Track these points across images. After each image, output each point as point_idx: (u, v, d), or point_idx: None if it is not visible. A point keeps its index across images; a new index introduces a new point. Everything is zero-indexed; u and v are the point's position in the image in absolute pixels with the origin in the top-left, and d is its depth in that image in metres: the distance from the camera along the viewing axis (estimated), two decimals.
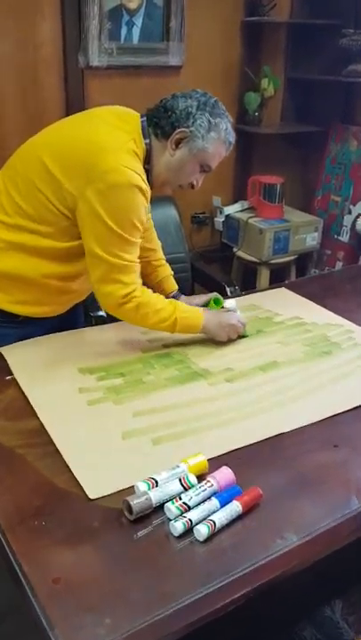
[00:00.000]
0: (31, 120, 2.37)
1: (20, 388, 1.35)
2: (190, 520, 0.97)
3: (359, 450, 1.19)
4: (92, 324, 1.70)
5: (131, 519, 0.98)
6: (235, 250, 2.93)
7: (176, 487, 1.03)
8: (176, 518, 0.98)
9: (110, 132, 1.36)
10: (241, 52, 2.79)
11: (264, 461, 1.16)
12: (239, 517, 1.01)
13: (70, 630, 0.81)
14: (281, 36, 2.84)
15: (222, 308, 1.76)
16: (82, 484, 1.05)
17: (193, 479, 1.04)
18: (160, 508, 1.01)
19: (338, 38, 2.71)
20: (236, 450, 1.18)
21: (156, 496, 1.00)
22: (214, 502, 1.00)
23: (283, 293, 1.94)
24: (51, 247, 1.40)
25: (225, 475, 1.05)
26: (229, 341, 1.55)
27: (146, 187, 1.34)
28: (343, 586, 1.69)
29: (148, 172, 1.40)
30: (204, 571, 0.92)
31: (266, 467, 1.15)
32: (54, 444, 1.17)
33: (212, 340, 1.58)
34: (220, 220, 2.94)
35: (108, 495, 1.04)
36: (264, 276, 2.83)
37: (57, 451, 1.15)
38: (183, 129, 1.36)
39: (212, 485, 1.03)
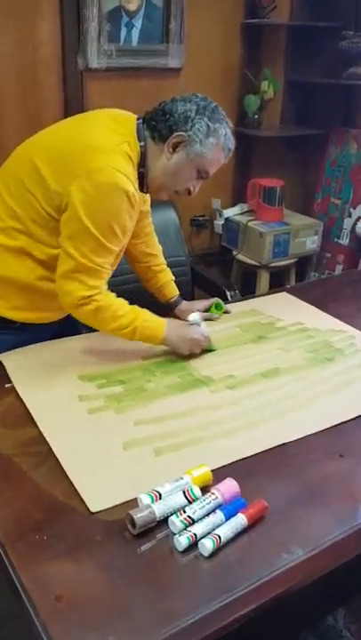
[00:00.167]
0: (30, 121, 2.34)
1: (18, 395, 1.33)
2: (195, 534, 0.95)
3: None
4: (92, 329, 1.67)
5: (134, 533, 0.96)
6: (234, 253, 2.91)
7: (180, 500, 1.01)
8: (180, 532, 0.95)
9: (104, 134, 1.34)
10: (241, 54, 2.77)
11: (268, 472, 1.14)
12: (244, 530, 0.98)
13: None
14: (281, 38, 2.82)
15: (224, 312, 1.75)
16: (83, 497, 1.03)
17: (197, 491, 1.02)
18: (164, 521, 0.99)
19: (338, 40, 2.70)
20: (240, 460, 1.16)
21: (159, 509, 0.98)
22: (219, 515, 0.98)
23: (284, 298, 1.92)
24: (43, 251, 1.38)
25: (229, 487, 1.03)
26: (192, 355, 1.49)
27: (135, 192, 1.31)
28: (346, 595, 1.67)
29: (142, 175, 1.38)
30: (210, 586, 0.90)
31: (270, 477, 1.13)
32: (54, 454, 1.15)
33: (215, 346, 1.56)
34: (219, 222, 2.92)
35: (110, 508, 1.02)
36: (264, 279, 2.81)
37: (57, 461, 1.13)
38: (181, 133, 1.33)
39: (217, 498, 1.01)
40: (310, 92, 2.89)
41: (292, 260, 2.88)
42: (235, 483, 1.04)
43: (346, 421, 1.29)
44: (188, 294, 2.20)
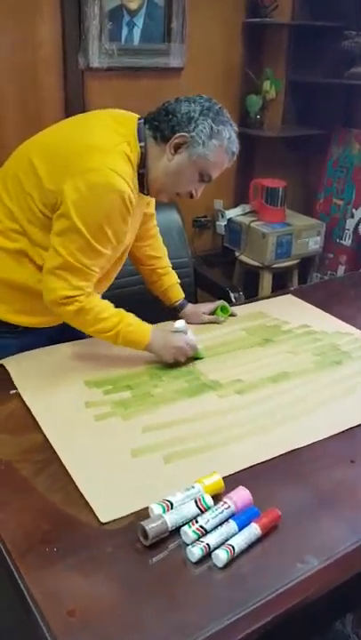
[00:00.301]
0: (30, 121, 2.32)
1: (21, 401, 1.31)
2: (208, 545, 0.93)
3: None
4: None
5: (146, 544, 0.94)
6: (237, 254, 2.89)
7: (192, 509, 0.99)
8: (193, 543, 0.93)
9: (103, 134, 1.31)
10: (242, 53, 2.75)
11: (280, 479, 1.12)
12: (258, 540, 0.97)
13: None
14: (283, 38, 2.80)
15: (231, 315, 1.73)
16: (93, 507, 1.01)
17: (209, 500, 1.00)
18: (175, 530, 0.97)
19: (340, 40, 2.68)
20: (250, 466, 1.14)
21: (171, 519, 0.96)
22: (232, 525, 0.96)
23: (289, 300, 1.90)
24: (42, 255, 1.35)
25: (242, 495, 1.01)
26: (178, 363, 1.45)
27: (131, 194, 1.28)
28: (354, 600, 1.66)
29: (142, 176, 1.35)
30: (225, 599, 0.88)
31: (282, 484, 1.11)
32: (60, 462, 1.12)
33: (219, 350, 1.55)
34: (221, 223, 2.90)
35: (121, 518, 1.00)
36: (266, 280, 2.80)
37: (64, 469, 1.11)
38: (183, 134, 1.30)
39: (229, 507, 0.99)
40: (312, 91, 2.87)
41: (295, 261, 2.86)
42: (247, 491, 1.02)
43: (356, 426, 1.27)
44: (190, 296, 2.18)
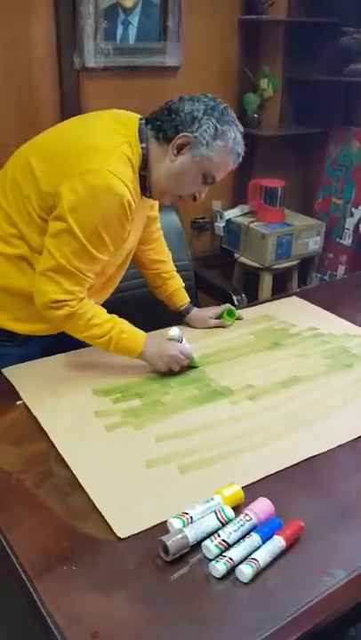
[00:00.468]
0: (25, 123, 2.28)
1: (25, 411, 1.27)
2: (231, 559, 0.90)
3: None
4: None
5: (167, 560, 0.91)
6: (236, 255, 2.86)
7: (213, 522, 0.96)
8: (216, 558, 0.90)
9: (103, 134, 1.27)
10: (239, 51, 2.72)
11: (299, 487, 1.10)
12: (281, 553, 0.94)
13: None
14: (279, 35, 2.77)
15: (237, 319, 1.70)
16: (110, 523, 0.97)
17: (230, 512, 0.97)
18: (195, 544, 0.94)
19: (338, 37, 2.65)
20: (267, 476, 1.11)
21: (192, 534, 0.93)
22: (255, 538, 0.93)
23: (295, 302, 1.87)
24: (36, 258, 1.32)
25: (263, 506, 0.98)
26: (172, 372, 1.41)
27: (131, 198, 1.24)
28: None
29: (144, 178, 1.31)
30: (252, 616, 0.85)
31: (301, 493, 1.08)
32: (73, 475, 1.09)
33: (228, 355, 1.52)
34: (220, 224, 2.87)
35: (139, 533, 0.97)
36: (267, 281, 2.77)
37: (76, 481, 1.07)
38: (187, 134, 1.26)
39: (251, 519, 0.96)
40: (310, 89, 2.84)
41: (295, 262, 2.84)
42: (268, 502, 0.99)
43: None
44: (191, 299, 2.14)
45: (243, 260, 2.81)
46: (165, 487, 1.07)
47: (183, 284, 1.67)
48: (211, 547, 0.92)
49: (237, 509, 1.00)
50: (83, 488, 1.06)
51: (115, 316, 1.36)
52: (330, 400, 1.34)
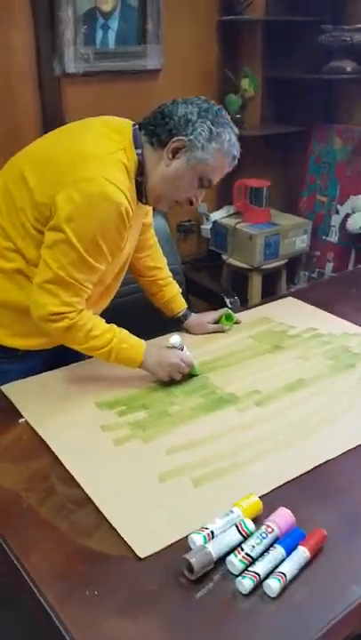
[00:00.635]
0: (6, 134, 2.24)
1: (32, 430, 1.24)
2: (258, 574, 0.88)
3: None
4: None
5: (192, 579, 0.89)
6: (224, 257, 2.85)
7: (235, 536, 0.93)
8: (243, 575, 0.88)
9: (97, 142, 1.24)
10: (219, 52, 2.71)
11: (315, 494, 1.08)
12: (306, 563, 0.92)
13: None
14: (257, 35, 2.77)
15: (236, 323, 1.68)
16: (129, 543, 0.95)
17: (251, 525, 0.95)
18: (218, 559, 0.92)
19: (316, 35, 2.66)
20: (281, 484, 1.09)
21: (215, 549, 0.91)
22: (280, 551, 0.91)
23: (291, 303, 1.86)
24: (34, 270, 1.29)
25: (284, 517, 0.97)
26: (174, 381, 1.39)
27: (128, 206, 1.22)
28: None
29: (140, 184, 1.29)
30: (282, 631, 0.83)
31: (318, 501, 1.06)
32: (81, 490, 1.06)
33: (230, 361, 1.50)
34: (207, 227, 2.86)
35: (159, 551, 0.94)
36: (256, 282, 2.76)
37: (85, 498, 1.05)
38: (181, 137, 1.23)
39: (273, 531, 0.94)
40: (290, 88, 2.84)
41: (283, 261, 2.83)
42: (289, 512, 0.97)
43: None
44: None
45: (231, 261, 2.80)
46: (180, 501, 1.04)
47: (180, 290, 1.65)
48: (235, 562, 0.89)
49: (257, 521, 0.98)
50: (93, 505, 1.03)
51: (114, 326, 1.33)
52: (338, 403, 1.33)
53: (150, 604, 0.86)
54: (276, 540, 0.94)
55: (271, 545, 0.93)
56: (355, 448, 1.19)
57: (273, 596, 0.86)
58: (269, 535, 0.93)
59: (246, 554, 0.90)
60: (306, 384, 1.40)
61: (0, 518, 1.01)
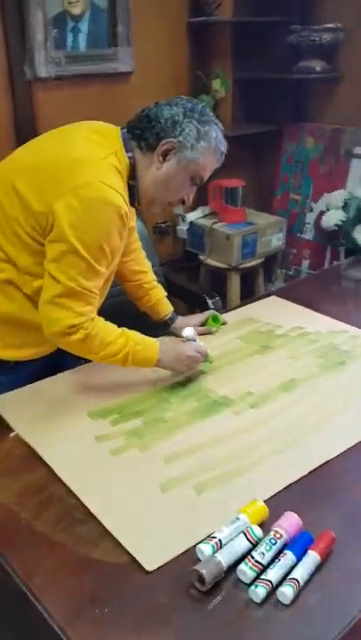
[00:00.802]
0: None
1: (25, 443, 1.20)
2: (270, 582, 0.86)
3: None
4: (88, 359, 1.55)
5: (203, 590, 0.87)
6: (201, 257, 2.83)
7: (243, 544, 0.92)
8: (255, 583, 0.86)
9: (88, 147, 1.23)
10: (189, 53, 2.70)
11: (318, 496, 1.07)
12: (316, 568, 0.91)
13: None
14: (227, 36, 2.76)
15: (223, 324, 1.67)
16: (135, 556, 0.92)
17: (258, 531, 0.94)
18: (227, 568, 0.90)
19: (284, 35, 2.66)
20: (284, 488, 1.08)
21: (225, 559, 0.89)
22: (290, 556, 0.90)
23: (275, 302, 1.86)
24: (30, 285, 1.27)
25: (291, 521, 0.96)
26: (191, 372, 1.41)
27: (126, 208, 1.21)
28: None
29: (133, 187, 1.28)
30: (300, 638, 0.82)
31: (322, 502, 1.06)
32: (83, 504, 1.04)
33: (221, 363, 1.48)
34: (183, 227, 2.84)
35: (167, 563, 0.92)
36: (234, 281, 2.75)
37: (89, 512, 1.02)
38: (170, 139, 1.24)
39: (282, 536, 0.93)
40: (261, 88, 2.84)
41: (261, 260, 2.83)
42: (296, 516, 0.96)
43: None
44: None
45: (209, 261, 2.79)
46: (184, 510, 1.03)
47: (165, 294, 1.63)
48: (246, 570, 0.88)
49: (263, 526, 0.97)
50: (94, 519, 1.01)
51: (125, 330, 1.31)
52: (331, 402, 1.33)
53: (163, 619, 0.84)
54: (285, 546, 0.93)
55: (281, 551, 0.92)
56: (354, 446, 1.19)
57: (287, 603, 0.85)
58: (278, 541, 0.92)
59: (256, 561, 0.89)
60: (298, 384, 1.40)
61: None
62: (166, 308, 1.62)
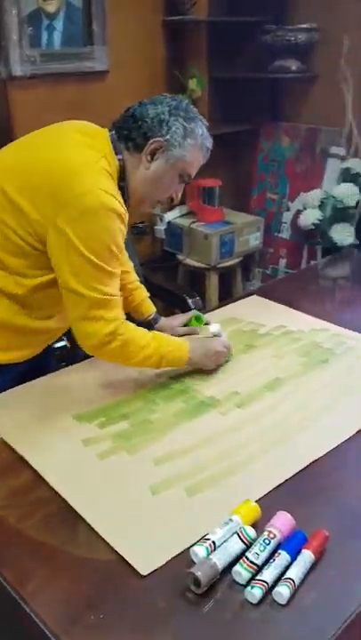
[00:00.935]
0: None
1: (10, 447, 1.18)
2: (266, 582, 0.86)
3: None
4: (69, 362, 1.53)
5: (198, 592, 0.86)
6: (180, 257, 2.83)
7: (237, 545, 0.92)
8: (252, 584, 0.86)
9: (80, 152, 1.22)
10: (166, 53, 2.69)
11: (308, 494, 1.07)
12: (311, 567, 0.91)
13: None
14: (202, 35, 2.76)
15: (206, 324, 1.66)
16: (129, 560, 0.91)
17: (252, 532, 0.94)
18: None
19: (260, 35, 2.68)
20: (275, 487, 1.08)
21: (220, 560, 0.89)
22: (284, 556, 0.90)
23: (257, 301, 1.86)
24: (18, 282, 1.25)
25: (284, 521, 0.96)
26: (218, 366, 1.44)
27: (123, 210, 1.21)
28: None
29: (123, 190, 1.28)
30: (297, 638, 0.82)
31: (312, 500, 1.06)
32: (73, 509, 1.02)
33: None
34: (161, 227, 2.84)
35: (162, 566, 0.91)
36: (213, 280, 2.76)
37: (79, 517, 1.01)
38: (157, 138, 1.24)
39: (275, 536, 0.93)
40: (236, 88, 2.85)
41: (238, 259, 2.85)
42: (288, 515, 0.96)
43: None
44: None
45: (188, 261, 2.79)
46: (176, 512, 1.02)
47: (148, 294, 1.62)
48: (242, 572, 0.88)
49: (256, 526, 0.97)
50: (85, 524, 0.99)
51: (156, 332, 1.34)
52: (317, 400, 1.33)
53: (161, 623, 0.83)
54: (279, 545, 0.93)
55: (275, 551, 0.92)
56: (342, 444, 1.20)
57: (283, 603, 0.85)
58: (272, 541, 0.92)
59: (251, 562, 0.89)
60: (283, 383, 1.40)
61: None
62: (150, 309, 1.61)
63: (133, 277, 1.59)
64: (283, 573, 0.88)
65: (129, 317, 1.60)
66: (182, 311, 1.72)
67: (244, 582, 0.88)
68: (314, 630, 0.82)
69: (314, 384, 1.40)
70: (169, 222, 2.83)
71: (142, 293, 1.60)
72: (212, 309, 1.85)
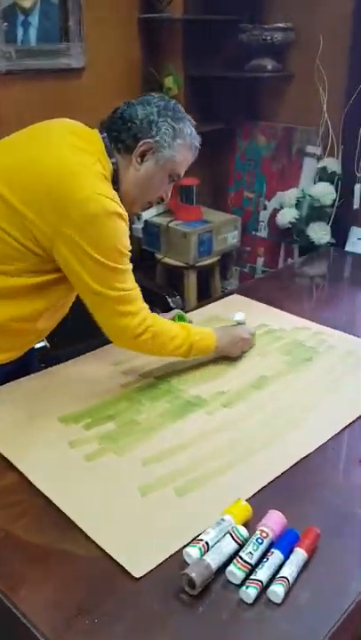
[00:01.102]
0: None
1: None
2: (260, 582, 0.86)
3: None
4: (51, 364, 1.51)
5: (193, 594, 0.86)
6: (158, 256, 2.82)
7: (230, 545, 0.92)
8: (246, 584, 0.86)
9: (74, 156, 1.20)
10: (142, 51, 2.68)
11: (297, 492, 1.08)
12: (304, 565, 0.92)
13: None
14: (178, 33, 2.75)
15: (189, 323, 1.66)
16: (122, 563, 0.91)
17: (244, 532, 0.94)
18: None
19: (236, 34, 2.68)
20: (264, 486, 1.08)
21: (214, 561, 0.89)
22: (277, 555, 0.90)
23: (238, 301, 1.87)
24: (13, 285, 1.23)
25: (276, 519, 0.96)
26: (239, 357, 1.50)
27: (123, 211, 1.21)
28: None
29: (116, 192, 1.26)
30: (292, 637, 0.82)
31: (301, 498, 1.07)
32: (61, 512, 1.01)
33: (190, 362, 1.48)
34: (139, 226, 2.82)
35: (154, 568, 0.91)
36: (191, 279, 2.76)
37: (68, 520, 0.99)
38: (147, 140, 1.24)
39: (268, 535, 0.93)
40: (213, 86, 2.85)
41: (217, 258, 2.85)
42: (280, 514, 0.97)
43: (352, 422, 1.26)
44: None
45: (166, 260, 2.78)
46: (166, 514, 1.01)
47: None
48: (236, 572, 0.88)
49: (248, 525, 0.97)
50: (75, 526, 0.98)
51: (179, 323, 1.40)
52: (302, 398, 1.34)
53: (156, 626, 0.82)
54: (271, 544, 0.93)
55: (268, 550, 0.92)
56: (329, 440, 1.21)
57: (278, 602, 0.85)
58: (265, 540, 0.92)
59: (245, 562, 0.89)
60: (268, 381, 1.41)
61: None
62: None
63: None
64: (276, 572, 0.89)
65: None
66: (163, 310, 1.70)
67: (238, 582, 0.88)
68: (309, 629, 0.83)
69: (299, 382, 1.41)
70: (146, 221, 2.82)
71: None
72: (193, 309, 1.84)
